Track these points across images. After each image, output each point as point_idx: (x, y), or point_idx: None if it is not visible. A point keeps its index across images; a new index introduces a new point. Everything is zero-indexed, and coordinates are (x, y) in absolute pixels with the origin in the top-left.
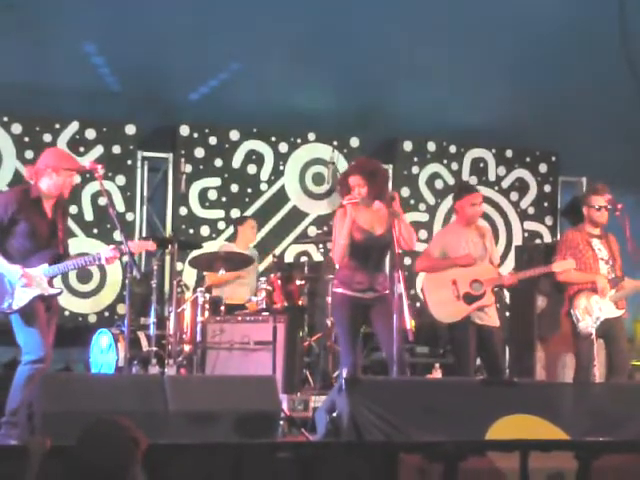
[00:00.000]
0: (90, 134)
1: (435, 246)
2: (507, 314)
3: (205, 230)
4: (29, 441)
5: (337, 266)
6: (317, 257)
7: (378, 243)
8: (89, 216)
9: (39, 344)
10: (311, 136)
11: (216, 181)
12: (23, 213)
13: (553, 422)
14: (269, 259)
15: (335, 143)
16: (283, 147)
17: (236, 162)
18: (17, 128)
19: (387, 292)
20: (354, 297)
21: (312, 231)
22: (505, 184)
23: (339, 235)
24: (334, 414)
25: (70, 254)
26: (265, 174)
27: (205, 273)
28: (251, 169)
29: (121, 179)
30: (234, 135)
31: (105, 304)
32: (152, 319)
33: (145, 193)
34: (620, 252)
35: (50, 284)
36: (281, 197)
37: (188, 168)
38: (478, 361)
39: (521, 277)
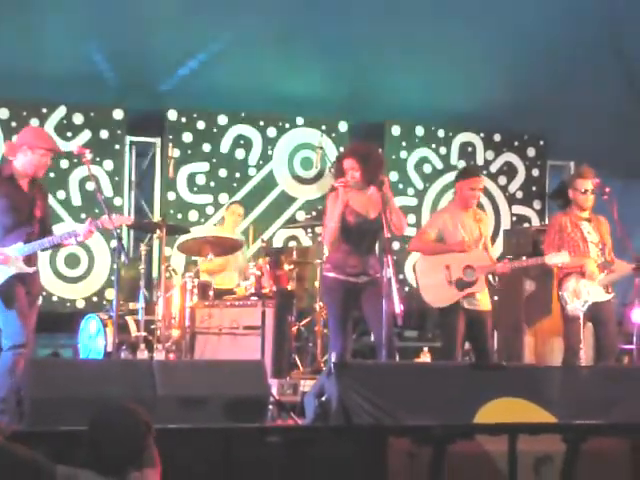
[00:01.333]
0: (78, 119)
1: (431, 226)
2: (495, 298)
3: (193, 215)
4: None
5: (326, 250)
6: (306, 242)
7: (372, 227)
8: (77, 201)
9: (19, 329)
10: (299, 120)
11: (204, 166)
12: None
13: (541, 405)
14: (258, 244)
15: (323, 128)
16: (271, 132)
17: (224, 147)
18: (4, 113)
19: (378, 275)
20: (346, 281)
21: (301, 216)
22: (493, 168)
23: (330, 218)
24: (323, 398)
25: (53, 233)
26: (253, 159)
27: (198, 261)
28: (239, 154)
29: (109, 164)
30: (222, 120)
31: (93, 289)
32: (141, 304)
33: (133, 178)
34: (611, 235)
35: (27, 263)
36: (269, 182)
37: (176, 153)
38: (467, 345)
39: (514, 266)
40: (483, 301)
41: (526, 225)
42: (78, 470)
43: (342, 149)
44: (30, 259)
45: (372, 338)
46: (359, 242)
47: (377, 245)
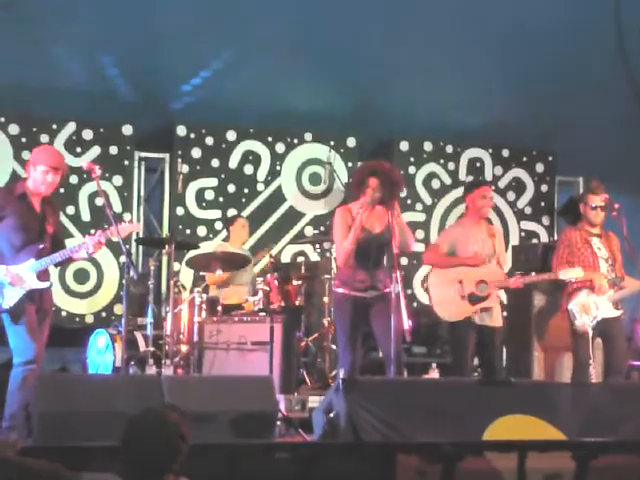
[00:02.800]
0: (87, 134)
1: (444, 240)
2: (505, 313)
3: (202, 230)
4: None
5: (334, 266)
6: (314, 257)
7: (377, 241)
8: (86, 216)
9: (28, 345)
10: (308, 136)
11: (213, 181)
12: (9, 208)
13: (550, 422)
14: (265, 259)
15: (332, 143)
16: (280, 147)
17: (233, 162)
18: (14, 129)
19: (388, 290)
20: (356, 297)
21: (309, 231)
22: (502, 184)
23: (342, 238)
24: (331, 414)
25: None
26: (262, 174)
27: (205, 275)
28: (248, 169)
29: (118, 179)
30: (231, 135)
31: (102, 304)
32: (149, 319)
33: (142, 193)
34: (621, 251)
35: (41, 278)
36: (278, 197)
37: (185, 168)
38: (476, 361)
39: (527, 282)
40: (495, 317)
41: (535, 241)
42: (106, 475)
43: (365, 163)
44: (42, 275)
45: (380, 354)
46: (366, 257)
47: (385, 260)
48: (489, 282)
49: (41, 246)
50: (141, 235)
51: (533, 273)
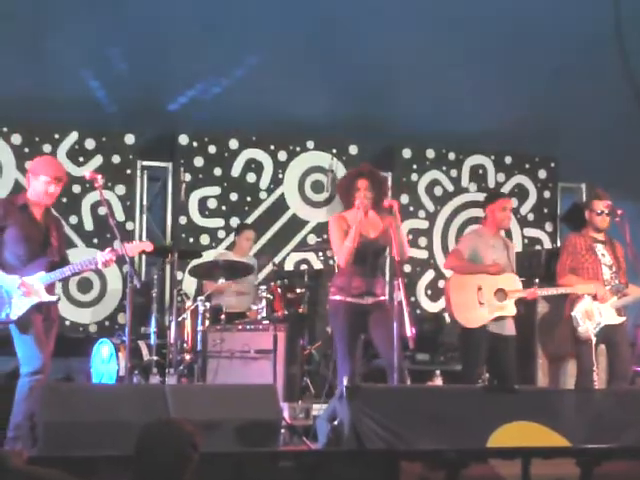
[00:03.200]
0: (89, 144)
1: (466, 246)
2: None
3: (205, 239)
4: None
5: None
6: (317, 265)
7: (372, 247)
8: (89, 226)
9: (35, 355)
10: (310, 144)
11: (215, 190)
12: (10, 219)
13: (554, 429)
14: (269, 267)
15: (334, 151)
16: (282, 155)
17: (235, 171)
18: (17, 138)
19: (385, 298)
20: (352, 303)
21: (312, 239)
22: (505, 190)
23: (341, 241)
24: (335, 422)
25: (70, 262)
26: (264, 182)
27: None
28: (250, 177)
29: (121, 188)
30: (233, 144)
31: (106, 314)
32: (153, 328)
33: (145, 202)
34: (625, 258)
35: (49, 292)
36: (280, 205)
37: (187, 177)
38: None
39: (543, 294)
40: (509, 326)
41: (538, 247)
42: None
43: (352, 168)
44: (50, 288)
45: (382, 362)
46: (362, 262)
47: (385, 268)
48: (507, 291)
49: (50, 259)
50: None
51: (537, 280)
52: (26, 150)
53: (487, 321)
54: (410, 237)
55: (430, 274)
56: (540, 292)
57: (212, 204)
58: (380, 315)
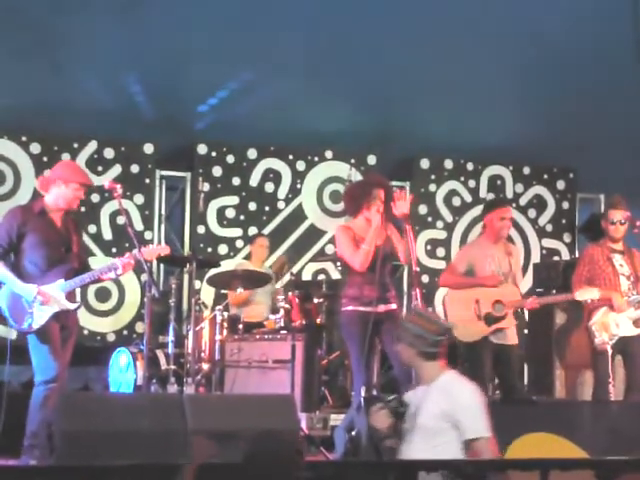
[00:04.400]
0: (108, 153)
1: (461, 260)
2: (525, 331)
3: (223, 248)
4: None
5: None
6: (335, 275)
7: (380, 254)
8: (108, 235)
9: (50, 364)
10: (328, 154)
11: (234, 199)
12: (29, 225)
13: (573, 440)
14: (287, 277)
15: (352, 161)
16: (300, 165)
17: (254, 180)
18: (36, 148)
19: (396, 307)
20: (365, 312)
21: (330, 249)
22: (523, 201)
23: (352, 249)
24: (353, 432)
25: (90, 268)
26: (283, 192)
27: (227, 294)
28: (269, 187)
29: (139, 198)
30: (252, 153)
31: (124, 323)
32: (170, 337)
33: (163, 212)
34: None
35: (69, 299)
36: (299, 215)
37: (206, 187)
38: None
39: (543, 302)
40: (510, 335)
41: (556, 258)
42: None
43: (365, 179)
44: (71, 295)
45: (394, 372)
46: (372, 271)
47: (402, 279)
48: (506, 302)
49: (70, 266)
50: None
51: (554, 291)
52: (45, 159)
53: (486, 333)
54: (428, 247)
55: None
56: (540, 301)
57: (230, 214)
58: (392, 325)
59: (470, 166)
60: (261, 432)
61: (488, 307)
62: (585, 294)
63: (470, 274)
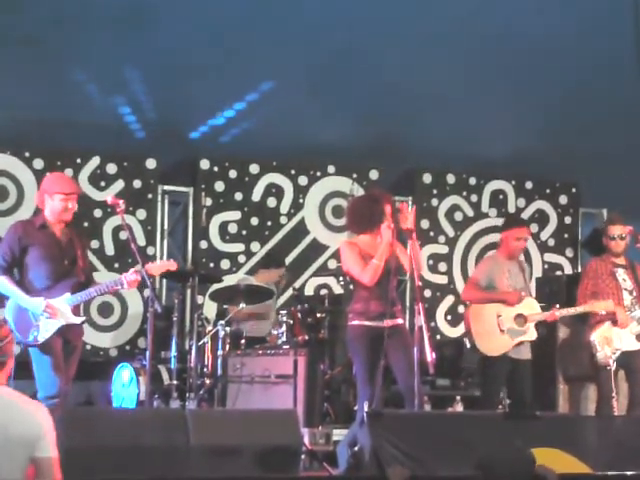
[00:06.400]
0: (111, 169)
1: (481, 275)
2: None
3: (225, 263)
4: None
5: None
6: (337, 290)
7: (386, 269)
8: (110, 250)
9: (52, 381)
10: (331, 169)
11: (236, 214)
12: (31, 239)
13: (576, 455)
14: (289, 292)
15: (355, 176)
16: (303, 180)
17: (256, 195)
18: (39, 163)
19: (402, 322)
20: (371, 327)
21: (332, 264)
22: (525, 216)
23: (359, 264)
24: (356, 448)
25: (95, 281)
26: (285, 207)
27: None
28: (271, 202)
29: (142, 213)
30: (254, 168)
31: (126, 338)
32: (173, 353)
33: (166, 227)
34: None
35: (75, 313)
36: (301, 230)
37: (208, 202)
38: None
39: (563, 314)
40: (525, 350)
41: (559, 273)
42: None
43: (372, 194)
44: (76, 309)
45: (399, 386)
46: (378, 286)
47: (405, 293)
48: (527, 316)
49: (76, 280)
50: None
51: (558, 305)
52: (48, 175)
53: (510, 348)
54: (430, 262)
55: (450, 299)
56: (560, 313)
57: (233, 229)
58: (398, 340)
59: (472, 181)
60: (495, 451)
61: (510, 321)
62: (600, 306)
63: (490, 288)
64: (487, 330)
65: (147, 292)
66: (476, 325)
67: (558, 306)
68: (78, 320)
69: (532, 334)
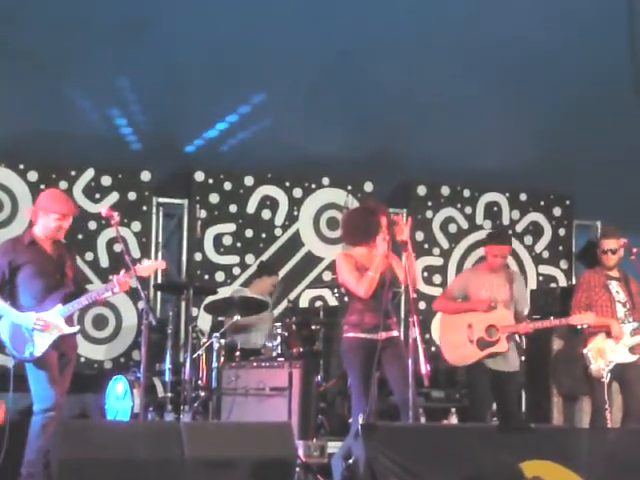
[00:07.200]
0: (106, 181)
1: (456, 285)
2: (523, 358)
3: (220, 276)
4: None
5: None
6: (332, 302)
7: (381, 281)
8: (105, 262)
9: (48, 393)
10: (325, 181)
11: (231, 227)
12: (22, 257)
13: (570, 467)
14: (284, 304)
15: (349, 188)
16: (297, 192)
17: (251, 207)
18: (33, 175)
19: (398, 334)
20: (366, 339)
21: (327, 276)
22: (519, 228)
23: (354, 276)
24: (350, 460)
25: (86, 290)
26: (279, 219)
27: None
28: (265, 214)
29: (136, 225)
30: (248, 181)
31: (120, 350)
32: (167, 365)
33: (160, 239)
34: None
35: (68, 323)
36: (296, 242)
37: (203, 214)
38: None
39: (537, 327)
40: (511, 362)
41: (553, 285)
42: None
43: (366, 206)
44: (69, 319)
45: (395, 398)
46: (373, 298)
47: (399, 306)
48: (499, 327)
49: (66, 291)
50: (161, 277)
51: (552, 317)
52: (42, 187)
53: (478, 358)
54: (425, 274)
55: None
56: (534, 326)
57: (227, 241)
58: (393, 352)
59: (467, 193)
60: (487, 465)
61: (481, 331)
62: (581, 319)
63: (465, 300)
64: (455, 340)
65: (141, 304)
66: (444, 335)
67: (552, 318)
68: (72, 330)
69: (502, 346)
